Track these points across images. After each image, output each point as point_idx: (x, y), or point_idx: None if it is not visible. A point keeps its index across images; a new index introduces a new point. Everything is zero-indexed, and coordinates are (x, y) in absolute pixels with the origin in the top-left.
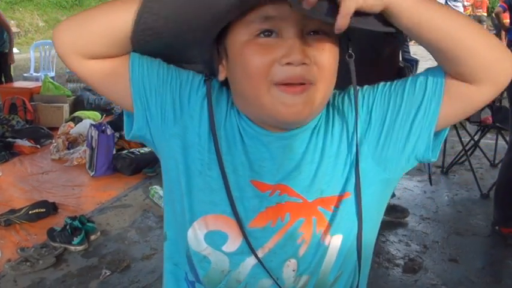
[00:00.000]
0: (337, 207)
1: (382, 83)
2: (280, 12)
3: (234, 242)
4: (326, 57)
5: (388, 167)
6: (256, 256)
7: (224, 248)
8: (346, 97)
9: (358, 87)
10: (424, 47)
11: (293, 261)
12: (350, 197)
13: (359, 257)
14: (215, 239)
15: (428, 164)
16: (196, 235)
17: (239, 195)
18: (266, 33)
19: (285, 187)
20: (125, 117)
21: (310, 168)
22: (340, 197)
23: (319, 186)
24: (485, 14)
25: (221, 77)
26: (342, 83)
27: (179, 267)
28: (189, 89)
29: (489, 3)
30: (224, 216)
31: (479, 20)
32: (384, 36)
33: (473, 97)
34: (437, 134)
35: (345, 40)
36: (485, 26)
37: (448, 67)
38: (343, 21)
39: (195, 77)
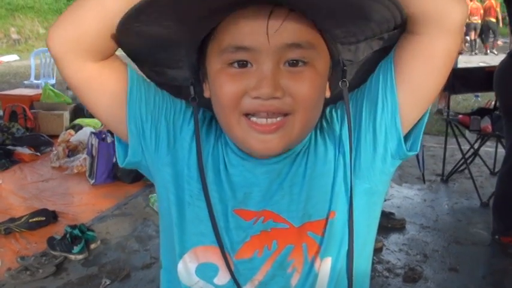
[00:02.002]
0: (325, 229)
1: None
2: (254, 43)
3: (224, 275)
4: (305, 87)
5: (366, 175)
6: None
7: (216, 280)
8: (323, 120)
9: (330, 107)
10: None
11: None
12: (335, 216)
13: (349, 275)
14: (206, 271)
15: (423, 163)
16: (187, 268)
17: (224, 226)
18: (240, 63)
19: (269, 213)
20: (116, 144)
21: (293, 191)
22: (327, 219)
23: (306, 210)
24: (494, 20)
25: (206, 94)
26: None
27: None
28: (182, 119)
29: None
30: (214, 247)
31: (475, 28)
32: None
33: (428, 51)
34: (416, 124)
35: (339, 66)
36: (490, 32)
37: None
38: None
39: (188, 108)
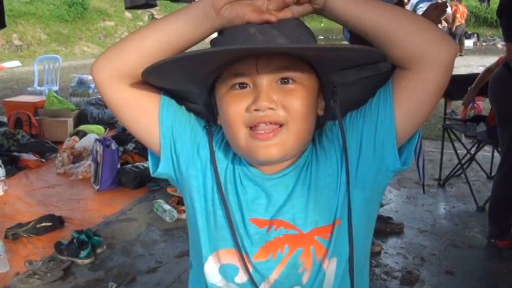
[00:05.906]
0: (332, 234)
1: (349, 113)
2: (248, 69)
3: (243, 274)
4: (295, 101)
5: (366, 186)
6: None
7: (237, 279)
8: (323, 135)
9: (330, 122)
10: (363, 36)
11: None
12: (341, 223)
13: (351, 273)
14: (228, 271)
15: (423, 173)
16: (212, 268)
17: (244, 232)
18: (241, 85)
19: (280, 221)
20: (149, 156)
21: (301, 202)
22: (333, 225)
23: (313, 218)
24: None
25: (219, 122)
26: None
27: None
28: (206, 137)
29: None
30: (234, 250)
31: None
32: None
33: (422, 82)
34: (408, 141)
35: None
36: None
37: (389, 53)
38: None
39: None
